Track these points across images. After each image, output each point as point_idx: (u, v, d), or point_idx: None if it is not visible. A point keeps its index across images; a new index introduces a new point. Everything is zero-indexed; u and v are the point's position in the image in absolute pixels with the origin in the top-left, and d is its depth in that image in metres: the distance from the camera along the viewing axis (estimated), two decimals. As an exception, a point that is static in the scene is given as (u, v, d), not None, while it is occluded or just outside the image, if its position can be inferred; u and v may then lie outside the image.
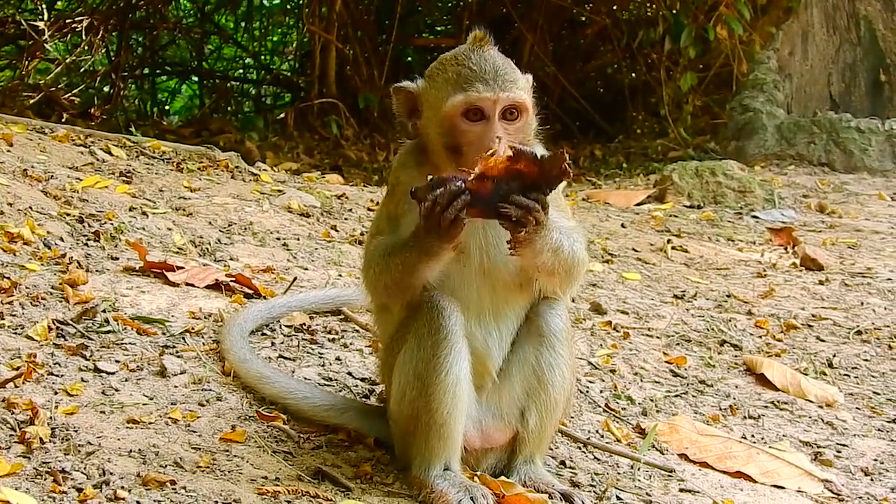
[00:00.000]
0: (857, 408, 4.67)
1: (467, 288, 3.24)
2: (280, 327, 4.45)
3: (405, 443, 3.28)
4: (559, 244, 3.11)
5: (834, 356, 5.20)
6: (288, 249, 5.72)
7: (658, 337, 5.26)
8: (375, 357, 3.95)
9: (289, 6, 16.43)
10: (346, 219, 6.86)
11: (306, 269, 5.42)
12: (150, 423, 3.34)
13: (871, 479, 3.97)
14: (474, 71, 3.12)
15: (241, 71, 17.17)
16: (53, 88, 14.27)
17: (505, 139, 3.04)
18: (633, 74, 15.19)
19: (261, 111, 16.20)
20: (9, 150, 6.46)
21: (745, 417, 4.40)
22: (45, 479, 2.89)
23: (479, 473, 3.33)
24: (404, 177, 3.29)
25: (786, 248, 7.65)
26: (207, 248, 5.42)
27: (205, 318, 4.37)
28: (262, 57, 16.85)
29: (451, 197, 2.89)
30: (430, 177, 2.94)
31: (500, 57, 3.19)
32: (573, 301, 5.37)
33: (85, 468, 2.97)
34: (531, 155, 2.90)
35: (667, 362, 4.89)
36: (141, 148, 7.67)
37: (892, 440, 4.34)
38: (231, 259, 5.32)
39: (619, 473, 3.67)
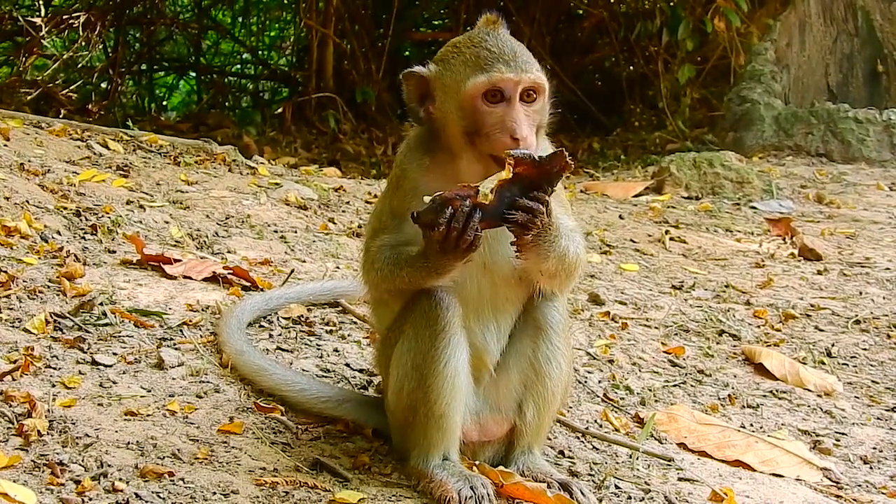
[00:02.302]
0: (855, 396, 4.67)
1: (468, 283, 3.21)
2: (278, 319, 4.44)
3: (403, 433, 3.28)
4: (565, 251, 3.09)
5: (832, 345, 5.21)
6: (286, 242, 5.72)
7: (656, 327, 5.25)
8: (373, 348, 3.94)
9: (286, 1, 16.41)
10: (343, 211, 6.85)
11: (304, 261, 5.41)
12: (148, 416, 3.34)
13: (870, 468, 3.97)
14: (494, 52, 3.07)
15: (238, 66, 17.15)
16: (51, 85, 14.24)
17: (526, 123, 3.02)
18: (631, 67, 15.18)
19: (258, 106, 16.19)
20: (6, 145, 6.46)
21: (743, 407, 4.40)
22: (43, 472, 2.89)
23: (477, 463, 3.33)
24: (412, 169, 3.23)
25: (784, 239, 7.64)
26: (205, 241, 5.41)
27: (202, 310, 4.37)
28: (260, 52, 16.83)
29: (466, 219, 2.85)
30: (425, 198, 2.88)
31: (513, 39, 3.16)
32: (571, 292, 5.37)
33: (83, 460, 2.97)
34: (529, 158, 2.87)
35: (665, 352, 4.89)
36: (138, 142, 7.66)
37: (890, 429, 4.34)
38: (228, 252, 5.32)
39: (617, 463, 3.67)
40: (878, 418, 4.44)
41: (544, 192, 2.91)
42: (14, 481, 2.78)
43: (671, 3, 13.33)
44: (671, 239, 7.39)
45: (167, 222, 5.55)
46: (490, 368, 3.32)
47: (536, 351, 3.32)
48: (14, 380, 3.40)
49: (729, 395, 4.47)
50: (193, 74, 16.92)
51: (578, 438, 3.83)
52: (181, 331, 4.11)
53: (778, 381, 4.72)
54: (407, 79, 3.21)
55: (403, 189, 3.23)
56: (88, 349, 3.76)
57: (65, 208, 5.31)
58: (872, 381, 4.85)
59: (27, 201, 5.23)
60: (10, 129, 6.83)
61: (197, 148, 7.85)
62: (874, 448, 4.13)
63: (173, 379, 3.68)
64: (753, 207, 8.95)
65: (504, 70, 3.05)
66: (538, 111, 3.14)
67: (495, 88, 3.05)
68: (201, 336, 4.09)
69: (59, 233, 4.97)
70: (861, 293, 6.21)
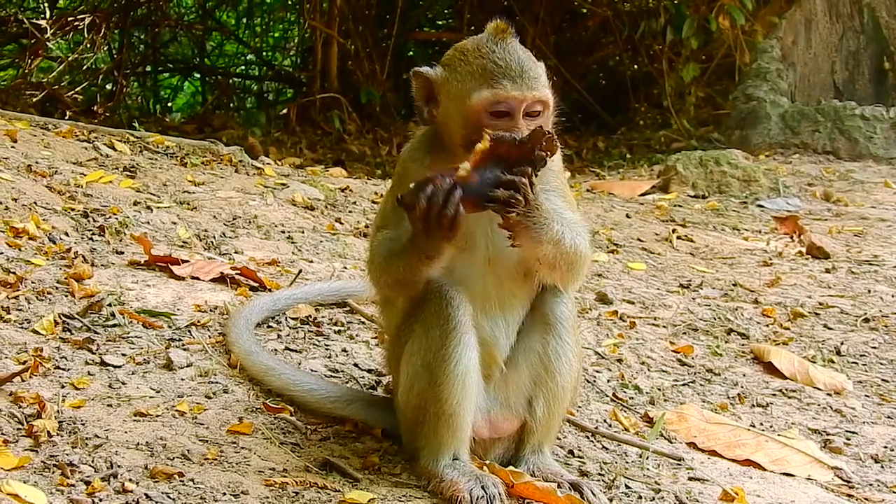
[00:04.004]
0: (865, 395, 4.65)
1: (473, 278, 3.21)
2: (286, 319, 4.44)
3: (413, 433, 3.27)
4: (560, 236, 3.06)
5: (842, 344, 5.19)
6: (293, 242, 5.72)
7: (664, 326, 5.24)
8: (381, 348, 3.94)
9: (290, 2, 16.41)
10: (350, 211, 6.85)
11: (311, 261, 5.41)
12: (158, 416, 3.34)
13: (882, 467, 3.95)
14: (500, 66, 3.05)
15: (243, 67, 17.15)
16: (56, 87, 14.24)
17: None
18: (636, 66, 15.14)
19: (263, 107, 16.19)
20: (13, 147, 6.46)
21: (753, 406, 4.39)
22: (53, 473, 2.89)
23: (487, 462, 3.32)
24: (413, 167, 3.25)
25: (791, 237, 7.63)
26: (212, 242, 5.41)
27: (210, 311, 4.37)
28: (264, 53, 16.83)
29: (445, 195, 2.86)
30: (412, 184, 2.90)
31: (522, 50, 3.13)
32: (579, 291, 5.36)
33: (93, 461, 2.97)
34: (511, 139, 2.87)
35: (674, 351, 4.87)
36: (144, 143, 7.67)
37: (901, 427, 4.32)
38: (236, 252, 5.31)
39: (627, 462, 3.66)
40: (889, 417, 4.42)
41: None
42: (24, 482, 2.78)
43: (675, 2, 13.30)
44: (678, 238, 7.38)
45: (174, 223, 5.54)
46: (500, 364, 3.31)
47: (546, 347, 3.31)
48: (23, 381, 3.40)
49: (738, 394, 4.45)
50: (198, 75, 16.94)
51: (588, 438, 3.82)
52: (189, 331, 4.11)
53: (787, 379, 4.71)
54: (415, 77, 3.21)
55: (405, 185, 3.22)
56: (97, 350, 3.76)
57: (72, 209, 5.31)
58: (882, 380, 4.83)
59: (35, 203, 5.24)
60: (17, 131, 6.84)
61: (203, 149, 7.86)
62: (885, 447, 4.11)
63: (182, 379, 3.67)
64: (760, 206, 8.94)
65: (510, 87, 3.03)
66: (542, 125, 3.12)
67: (500, 104, 3.04)
68: (210, 336, 4.09)
69: (66, 234, 4.98)
70: (870, 291, 6.20)
